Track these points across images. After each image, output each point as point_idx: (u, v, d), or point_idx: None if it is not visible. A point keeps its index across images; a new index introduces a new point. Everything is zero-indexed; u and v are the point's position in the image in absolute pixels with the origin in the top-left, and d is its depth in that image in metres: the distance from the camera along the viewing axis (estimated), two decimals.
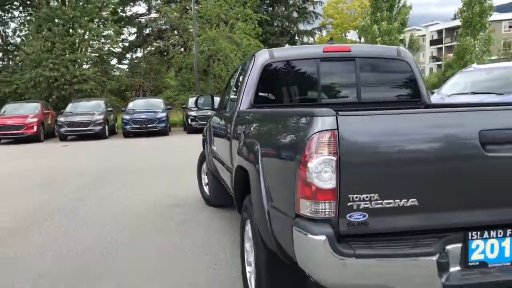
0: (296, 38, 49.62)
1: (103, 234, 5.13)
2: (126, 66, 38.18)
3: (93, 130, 18.32)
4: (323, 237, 2.03)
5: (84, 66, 28.89)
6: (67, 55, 26.79)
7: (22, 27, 33.15)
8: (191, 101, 18.99)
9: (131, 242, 4.83)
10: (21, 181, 9.01)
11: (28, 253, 4.54)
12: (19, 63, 28.66)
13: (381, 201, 2.07)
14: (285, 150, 2.45)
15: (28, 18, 31.21)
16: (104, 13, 30.18)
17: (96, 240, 4.93)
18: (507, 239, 2.19)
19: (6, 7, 32.73)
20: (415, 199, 2.10)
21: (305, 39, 49.53)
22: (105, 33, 29.80)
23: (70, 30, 28.50)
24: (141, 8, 57.27)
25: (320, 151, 2.06)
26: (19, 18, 34.36)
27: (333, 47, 4.39)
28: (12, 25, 34.39)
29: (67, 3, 29.41)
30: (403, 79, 4.53)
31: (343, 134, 2.06)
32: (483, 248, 2.18)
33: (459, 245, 2.15)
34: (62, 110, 19.90)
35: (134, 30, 40.35)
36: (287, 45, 48.70)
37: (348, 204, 2.07)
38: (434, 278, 2.04)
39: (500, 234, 2.19)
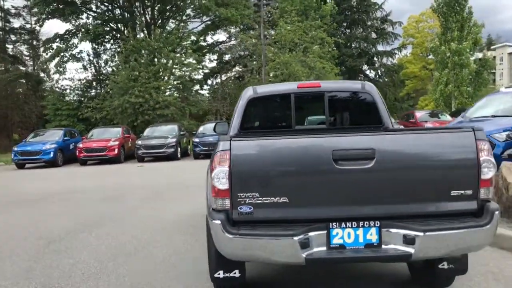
0: (375, 59, 49.08)
1: (139, 236, 6.17)
2: (206, 92, 40.40)
3: (166, 152, 19.97)
4: (218, 221, 2.96)
5: (167, 93, 31.04)
6: (151, 83, 28.94)
7: (112, 58, 36.26)
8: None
9: (155, 241, 5.85)
10: (93, 194, 10.51)
11: (76, 247, 5.73)
12: (109, 91, 31.30)
13: (261, 198, 2.96)
14: (209, 164, 3.31)
15: (118, 50, 34.07)
16: (185, 43, 32.24)
17: (130, 239, 5.98)
18: (360, 229, 3.01)
19: (99, 40, 35.96)
20: (286, 198, 2.97)
21: (384, 60, 48.90)
22: (186, 61, 31.77)
23: (155, 60, 30.93)
24: (221, 36, 59.98)
25: (219, 164, 2.99)
26: (110, 50, 37.62)
27: (306, 84, 5.21)
28: (104, 56, 37.64)
29: (152, 35, 32.00)
30: (366, 108, 5.01)
31: (234, 153, 2.98)
32: (342, 235, 3.00)
33: (324, 232, 2.98)
34: (141, 134, 21.73)
35: (215, 57, 42.68)
36: (365, 67, 48.66)
37: (238, 200, 2.98)
38: (298, 252, 2.90)
39: (354, 225, 3.00)
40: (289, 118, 5.01)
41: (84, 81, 36.11)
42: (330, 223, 2.99)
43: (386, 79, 49.50)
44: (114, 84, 29.87)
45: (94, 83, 37.00)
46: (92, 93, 36.05)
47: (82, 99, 34.52)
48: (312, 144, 3.05)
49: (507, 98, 8.88)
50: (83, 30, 34.20)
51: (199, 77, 36.68)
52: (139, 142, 20.46)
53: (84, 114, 30.56)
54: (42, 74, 40.86)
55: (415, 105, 49.10)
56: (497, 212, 3.00)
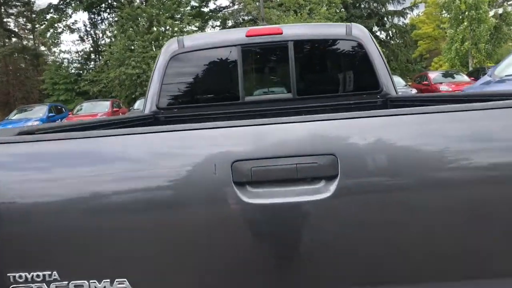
0: (385, 19, 47.10)
1: None
2: None
3: None
4: None
5: None
6: (148, 53, 27.54)
7: (110, 28, 34.85)
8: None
9: None
10: None
11: None
12: (107, 63, 30.07)
13: None
14: None
15: (116, 19, 32.65)
16: (183, 9, 30.70)
17: None
18: None
19: (95, 10, 34.49)
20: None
21: (395, 20, 46.87)
22: (187, 28, 30.21)
23: (153, 28, 29.42)
24: (224, 1, 57.95)
25: None
26: (107, 20, 36.17)
27: (258, 29, 3.53)
28: (102, 26, 36.27)
29: (148, 1, 30.42)
30: (354, 64, 3.59)
31: None
32: None
33: None
34: (131, 108, 20.40)
35: (218, 23, 40.87)
36: (375, 28, 46.51)
37: None
38: None
39: None
40: (235, 84, 3.52)
41: (82, 53, 34.88)
42: None
43: (398, 40, 47.46)
44: (110, 55, 28.62)
45: (92, 55, 35.73)
46: (91, 66, 34.90)
47: (81, 72, 33.36)
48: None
49: None
50: None
51: None
52: (130, 115, 19.02)
53: (81, 88, 29.49)
54: (42, 48, 39.65)
55: (429, 66, 47.18)
56: None
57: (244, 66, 3.47)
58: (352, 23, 3.67)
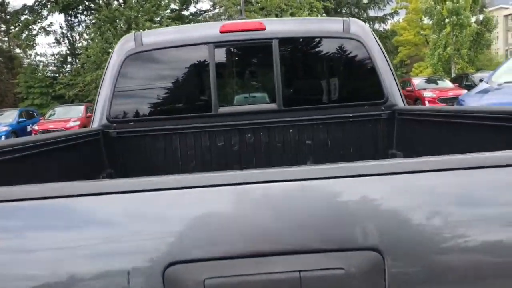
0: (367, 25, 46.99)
1: None
2: None
3: None
4: None
5: None
6: None
7: (87, 30, 33.97)
8: None
9: None
10: None
11: None
12: (83, 66, 29.19)
13: None
14: None
15: (93, 21, 31.80)
16: (162, 11, 30.08)
17: None
18: None
19: (71, 12, 33.57)
20: None
21: (376, 26, 46.90)
22: None
23: (131, 31, 28.68)
24: (205, 5, 57.45)
25: None
26: (84, 22, 35.26)
27: (236, 24, 2.97)
28: (79, 29, 35.35)
29: (126, 3, 29.66)
30: (353, 68, 3.06)
31: None
32: None
33: None
34: None
35: None
36: None
37: None
38: None
39: None
40: (206, 92, 2.96)
41: (58, 55, 33.86)
42: None
43: None
44: (87, 58, 27.76)
45: (69, 58, 34.74)
46: (67, 69, 33.93)
47: (57, 75, 32.36)
48: None
49: None
50: (52, 0, 31.74)
51: None
52: None
53: (57, 91, 28.56)
54: (18, 50, 38.44)
55: (409, 72, 47.34)
56: None
57: (218, 70, 2.93)
58: (350, 18, 3.15)
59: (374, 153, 3.12)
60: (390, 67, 3.09)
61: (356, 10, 46.21)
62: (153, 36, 3.02)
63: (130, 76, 2.93)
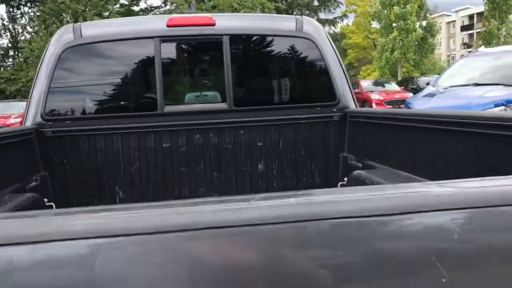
0: None
1: None
2: None
3: None
4: None
5: None
6: None
7: (30, 23, 32.61)
8: None
9: None
10: None
11: None
12: (27, 60, 27.98)
13: None
14: None
15: (38, 14, 30.55)
16: (111, 6, 29.29)
17: None
18: None
19: (13, 3, 32.08)
20: None
21: (326, 29, 47.84)
22: None
23: None
24: (156, 0, 56.65)
25: None
26: (28, 14, 33.82)
27: (184, 18, 2.85)
28: (22, 21, 33.85)
29: None
30: (306, 69, 3.04)
31: None
32: None
33: None
34: None
35: None
36: None
37: None
38: None
39: None
40: (151, 89, 2.81)
41: None
42: None
43: None
44: (31, 52, 26.59)
45: (11, 51, 33.15)
46: (9, 63, 32.40)
47: None
48: None
49: (489, 60, 6.97)
50: None
51: None
52: None
53: None
54: None
55: (357, 75, 48.55)
56: None
57: (164, 66, 2.78)
58: (303, 16, 3.09)
59: (326, 156, 3.08)
60: (342, 69, 3.06)
61: (307, 12, 46.88)
62: (94, 28, 2.84)
63: (68, 71, 2.74)
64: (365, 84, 21.80)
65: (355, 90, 20.68)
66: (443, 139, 2.01)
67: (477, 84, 6.42)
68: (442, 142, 2.01)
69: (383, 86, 20.97)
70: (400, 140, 2.38)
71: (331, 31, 48.39)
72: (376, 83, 22.11)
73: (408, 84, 21.27)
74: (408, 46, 27.45)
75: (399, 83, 22.09)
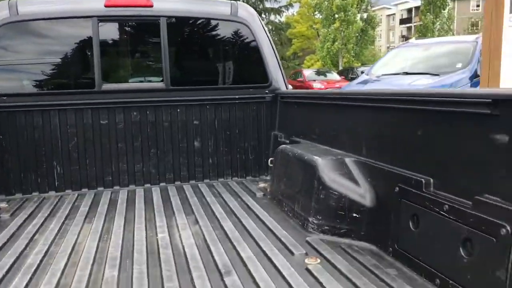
0: (263, 16, 48.01)
1: None
2: None
3: None
4: None
5: None
6: None
7: None
8: None
9: None
10: None
11: None
12: None
13: None
14: None
15: None
16: None
17: None
18: None
19: None
20: None
21: (272, 17, 48.02)
22: None
23: None
24: None
25: None
26: None
27: None
28: None
29: None
30: (240, 51, 3.26)
31: None
32: None
33: None
34: None
35: None
36: None
37: None
38: None
39: None
40: (89, 67, 2.88)
41: None
42: None
43: (274, 38, 48.81)
44: None
45: None
46: None
47: None
48: None
49: (419, 50, 7.47)
50: None
51: None
52: None
53: None
54: None
55: (302, 64, 49.28)
56: None
57: (102, 45, 2.87)
58: (238, 1, 3.25)
59: (258, 134, 3.28)
60: (275, 53, 3.25)
61: (253, 0, 46.83)
62: (30, 6, 2.84)
63: (2, 48, 2.74)
64: (308, 73, 22.34)
65: (299, 79, 21.34)
66: (353, 115, 2.24)
67: (407, 73, 6.90)
68: (353, 118, 2.24)
69: (325, 76, 21.60)
70: (320, 117, 2.60)
71: (276, 20, 48.73)
72: (318, 73, 22.70)
73: (349, 73, 21.98)
74: (349, 37, 28.37)
75: (340, 73, 22.79)
